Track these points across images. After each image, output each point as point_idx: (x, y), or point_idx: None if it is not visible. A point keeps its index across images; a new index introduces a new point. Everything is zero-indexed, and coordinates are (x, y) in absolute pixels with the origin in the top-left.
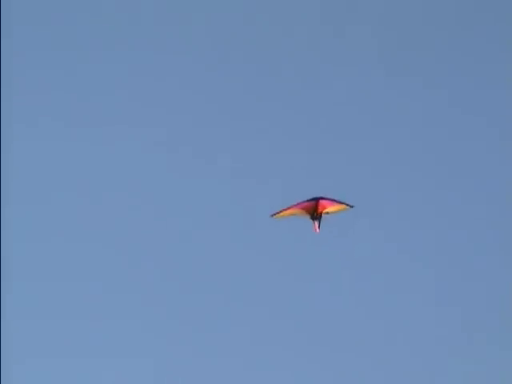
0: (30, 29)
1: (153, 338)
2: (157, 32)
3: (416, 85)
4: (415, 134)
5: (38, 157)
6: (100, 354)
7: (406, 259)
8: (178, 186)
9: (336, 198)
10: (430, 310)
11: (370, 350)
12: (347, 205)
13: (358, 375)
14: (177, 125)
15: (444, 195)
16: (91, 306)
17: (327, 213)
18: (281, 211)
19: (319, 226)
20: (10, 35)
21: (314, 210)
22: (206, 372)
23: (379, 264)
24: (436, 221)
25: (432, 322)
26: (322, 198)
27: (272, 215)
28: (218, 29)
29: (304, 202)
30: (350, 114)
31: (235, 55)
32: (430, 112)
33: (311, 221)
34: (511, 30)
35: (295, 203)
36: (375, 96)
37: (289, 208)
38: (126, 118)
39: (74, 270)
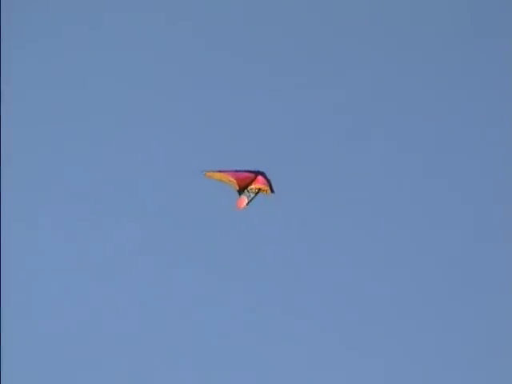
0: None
1: None
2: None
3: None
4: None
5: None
6: None
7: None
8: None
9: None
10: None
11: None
12: (271, 188)
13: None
14: None
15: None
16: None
17: (251, 189)
18: (214, 172)
19: (248, 204)
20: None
21: (247, 184)
22: None
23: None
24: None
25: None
26: (263, 175)
27: (204, 172)
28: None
29: (245, 171)
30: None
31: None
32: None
33: (237, 194)
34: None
35: (234, 170)
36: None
37: (224, 171)
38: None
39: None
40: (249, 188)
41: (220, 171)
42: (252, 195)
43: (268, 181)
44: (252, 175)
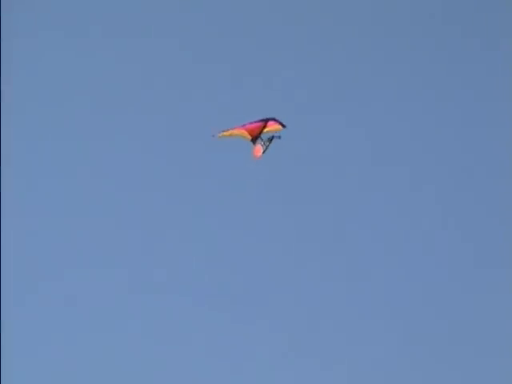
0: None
1: None
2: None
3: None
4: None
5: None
6: None
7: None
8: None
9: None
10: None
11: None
12: (281, 124)
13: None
14: None
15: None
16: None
17: (265, 132)
18: (224, 131)
19: (265, 151)
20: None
21: (259, 132)
22: None
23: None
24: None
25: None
26: (274, 120)
27: (215, 135)
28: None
29: (254, 122)
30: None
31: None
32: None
33: (252, 144)
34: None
35: (244, 124)
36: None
37: (234, 128)
38: None
39: None
40: (262, 135)
41: (229, 129)
42: (267, 143)
43: (279, 122)
44: (262, 123)
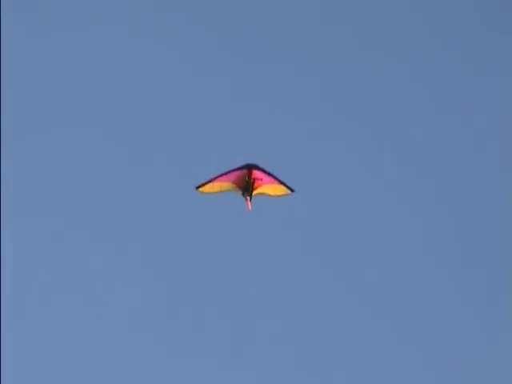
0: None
1: None
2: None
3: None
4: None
5: None
6: None
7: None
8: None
9: (273, 173)
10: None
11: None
12: (288, 187)
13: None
14: None
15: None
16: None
17: (263, 194)
18: (206, 183)
19: (251, 200)
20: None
21: (246, 183)
22: None
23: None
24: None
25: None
26: (257, 168)
27: (197, 187)
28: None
29: (234, 170)
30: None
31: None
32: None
33: (243, 197)
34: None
35: (223, 172)
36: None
37: (216, 179)
38: None
39: None
40: (257, 191)
41: (211, 181)
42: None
43: (270, 174)
44: (244, 171)
